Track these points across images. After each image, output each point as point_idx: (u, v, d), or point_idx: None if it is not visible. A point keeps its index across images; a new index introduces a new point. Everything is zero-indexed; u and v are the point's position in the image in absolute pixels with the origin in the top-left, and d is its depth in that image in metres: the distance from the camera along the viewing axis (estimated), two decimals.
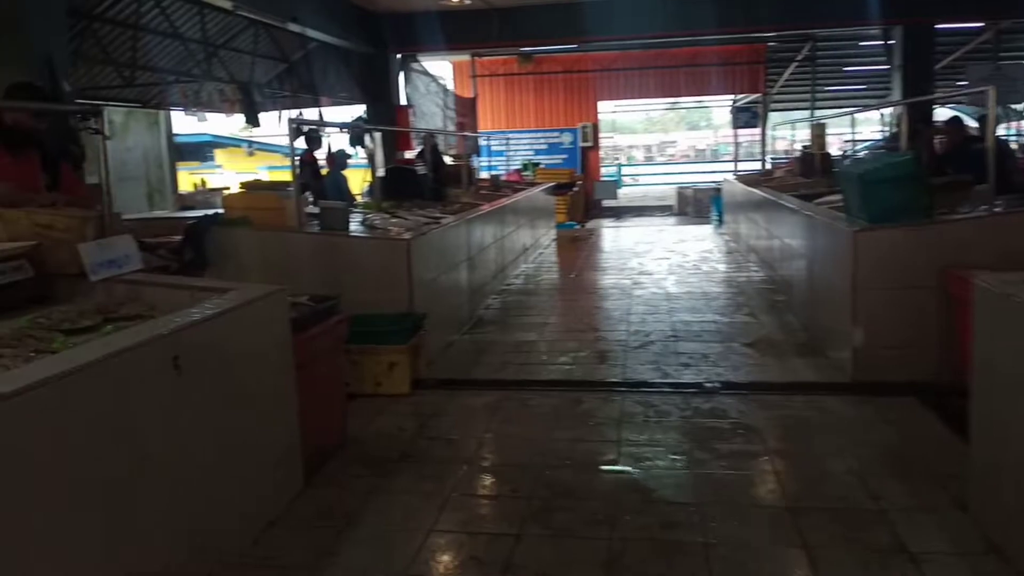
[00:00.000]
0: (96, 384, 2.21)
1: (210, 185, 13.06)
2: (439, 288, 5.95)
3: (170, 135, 12.67)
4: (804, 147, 12.07)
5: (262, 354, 3.23)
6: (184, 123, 17.54)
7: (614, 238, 13.54)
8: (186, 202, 11.44)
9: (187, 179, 14.82)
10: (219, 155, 22.89)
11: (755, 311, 7.02)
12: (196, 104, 9.38)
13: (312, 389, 3.63)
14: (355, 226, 5.95)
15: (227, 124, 19.52)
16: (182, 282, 3.48)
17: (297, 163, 11.24)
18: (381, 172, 7.28)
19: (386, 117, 13.49)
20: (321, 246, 5.31)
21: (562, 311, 7.54)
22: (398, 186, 8.23)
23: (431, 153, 11.46)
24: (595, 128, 20.43)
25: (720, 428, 4.18)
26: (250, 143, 20.86)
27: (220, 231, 5.34)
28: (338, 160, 10.62)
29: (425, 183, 8.37)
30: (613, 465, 3.76)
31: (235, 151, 22.33)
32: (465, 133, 12.55)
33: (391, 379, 4.81)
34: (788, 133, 20.14)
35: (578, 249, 11.97)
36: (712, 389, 4.82)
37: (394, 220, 6.02)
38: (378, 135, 12.06)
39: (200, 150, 22.54)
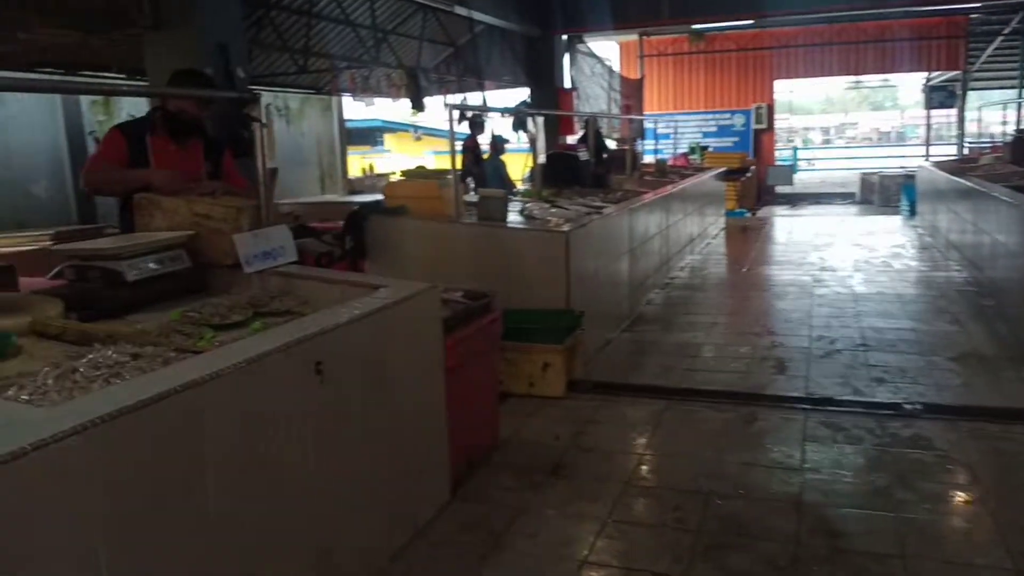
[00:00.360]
0: (231, 392, 2.06)
1: (377, 170, 13.36)
2: (598, 282, 5.61)
3: (342, 120, 13.05)
4: (1019, 130, 10.65)
5: (411, 357, 3.03)
6: (355, 109, 18.14)
7: (789, 228, 12.63)
8: (354, 187, 11.73)
9: (357, 164, 15.28)
10: (388, 140, 23.62)
11: (959, 318, 6.17)
12: (364, 90, 9.52)
13: (463, 393, 3.41)
14: (513, 216, 5.71)
15: (396, 109, 20.07)
16: (334, 276, 3.35)
17: (459, 149, 11.26)
18: (542, 158, 6.97)
19: (549, 101, 13.23)
20: (477, 237, 5.11)
21: (732, 310, 6.99)
22: (559, 173, 7.93)
23: (594, 137, 11.08)
24: (770, 109, 19.26)
25: (924, 462, 3.59)
26: (417, 128, 21.32)
27: (379, 220, 5.26)
28: (497, 145, 10.52)
29: (586, 169, 8.02)
30: (796, 499, 3.28)
31: (403, 136, 22.94)
32: (630, 116, 12.05)
33: (545, 380, 4.54)
34: (993, 115, 18.09)
35: (749, 240, 11.22)
36: (912, 412, 4.18)
37: (553, 210, 5.73)
38: (540, 119, 11.81)
39: (370, 135, 23.36)
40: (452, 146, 5.24)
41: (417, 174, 5.70)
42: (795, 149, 27.73)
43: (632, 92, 17.31)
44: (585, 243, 5.27)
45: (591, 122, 8.34)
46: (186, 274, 3.24)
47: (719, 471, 3.55)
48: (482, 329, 3.64)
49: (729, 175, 13.24)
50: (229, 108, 6.45)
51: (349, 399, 2.60)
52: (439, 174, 5.40)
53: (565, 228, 5.04)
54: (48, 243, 6.02)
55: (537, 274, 4.97)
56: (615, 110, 15.55)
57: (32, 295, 2.90)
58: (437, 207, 5.27)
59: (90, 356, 2.18)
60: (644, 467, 3.65)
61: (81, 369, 2.09)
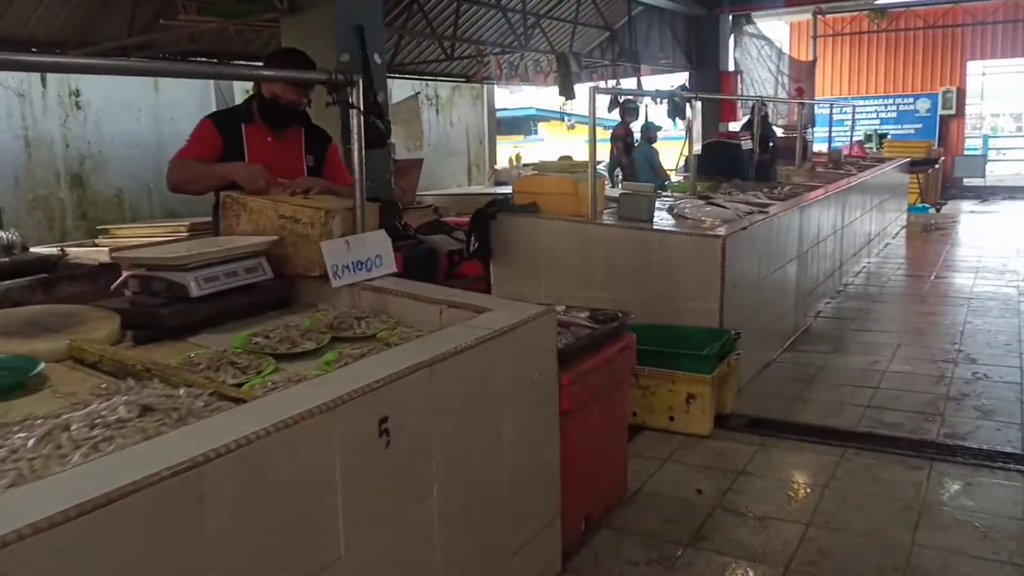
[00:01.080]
0: (243, 472, 1.52)
1: (523, 160, 12.85)
2: (759, 294, 4.77)
3: (492, 109, 12.62)
4: None
5: (516, 402, 2.41)
6: (509, 97, 17.72)
7: (982, 226, 10.96)
8: (500, 177, 11.26)
9: (507, 154, 14.85)
10: (542, 129, 23.11)
11: None
12: (510, 76, 8.98)
13: (583, 441, 2.75)
14: (661, 215, 4.96)
15: (550, 97, 19.50)
16: (434, 294, 2.78)
17: (609, 138, 10.50)
18: (698, 147, 6.13)
19: (711, 85, 12.20)
20: (616, 240, 4.41)
21: (918, 327, 5.87)
22: (717, 163, 7.05)
23: (759, 124, 10.00)
24: (960, 93, 17.12)
25: None
26: (570, 116, 20.67)
27: (506, 218, 4.68)
28: (648, 133, 9.68)
29: (749, 160, 7.08)
30: None
31: (557, 124, 22.35)
32: (801, 100, 10.84)
33: (688, 415, 3.79)
34: None
35: (935, 240, 9.77)
36: None
37: (708, 208, 4.92)
38: (698, 105, 10.85)
39: (524, 124, 22.95)
40: (592, 134, 4.56)
41: (551, 167, 5.07)
42: (986, 137, 24.75)
43: (803, 75, 15.84)
44: (745, 249, 4.46)
45: (756, 107, 7.36)
46: (267, 287, 2.77)
47: (917, 565, 2.69)
48: (609, 361, 2.96)
49: (912, 166, 11.67)
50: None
51: (426, 467, 2.02)
52: (574, 167, 4.74)
53: (721, 231, 4.24)
54: (184, 234, 5.89)
55: (685, 285, 4.22)
56: (783, 95, 14.21)
57: (91, 308, 2.51)
58: (571, 205, 4.61)
59: (91, 407, 1.70)
60: (811, 546, 2.84)
61: (74, 428, 1.62)
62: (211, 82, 8.53)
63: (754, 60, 13.90)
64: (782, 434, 3.83)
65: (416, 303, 2.70)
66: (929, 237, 10.03)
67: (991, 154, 22.08)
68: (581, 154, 15.14)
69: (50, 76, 6.96)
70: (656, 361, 3.80)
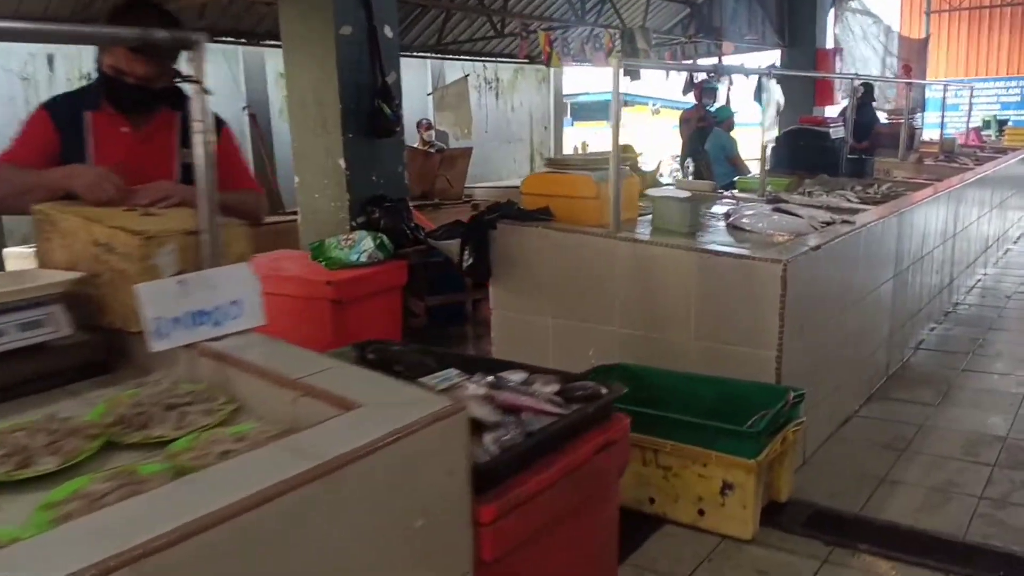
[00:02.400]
0: None
1: (589, 148, 11.69)
2: (836, 332, 3.59)
3: (559, 93, 11.52)
4: None
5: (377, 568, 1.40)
6: (588, 80, 16.49)
7: None
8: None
9: (578, 139, 13.68)
10: (625, 113, 21.78)
11: None
12: (564, 54, 7.87)
13: None
14: (715, 224, 3.83)
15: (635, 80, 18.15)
16: (290, 372, 1.79)
17: (678, 121, 9.25)
18: (771, 135, 4.90)
19: (805, 65, 10.72)
20: (641, 261, 3.32)
21: None
22: (799, 155, 5.78)
23: (857, 109, 8.55)
24: None
25: None
26: (655, 101, 19.27)
27: (509, 228, 3.65)
28: (721, 117, 8.43)
29: (840, 151, 5.78)
30: None
31: (641, 109, 20.97)
32: (910, 80, 9.27)
33: (722, 510, 2.70)
34: None
35: None
36: None
37: (774, 217, 3.76)
38: (772, 85, 9.47)
39: (605, 108, 21.65)
40: (616, 121, 3.47)
41: (564, 163, 3.97)
42: None
43: (913, 54, 14.02)
44: (818, 275, 3.29)
45: (858, 89, 6.00)
46: (69, 348, 1.86)
47: None
48: (579, 467, 1.91)
49: None
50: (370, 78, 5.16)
51: None
52: (597, 164, 3.65)
53: (782, 254, 3.08)
54: None
55: (732, 324, 3.11)
56: (890, 76, 12.50)
57: None
58: (593, 211, 3.54)
59: None
60: None
61: None
62: (240, 68, 7.78)
63: (857, 38, 12.26)
64: (858, 540, 2.69)
65: (263, 382, 1.73)
66: None
67: None
68: (659, 141, 13.81)
69: (59, 58, 6.34)
70: (683, 434, 2.73)
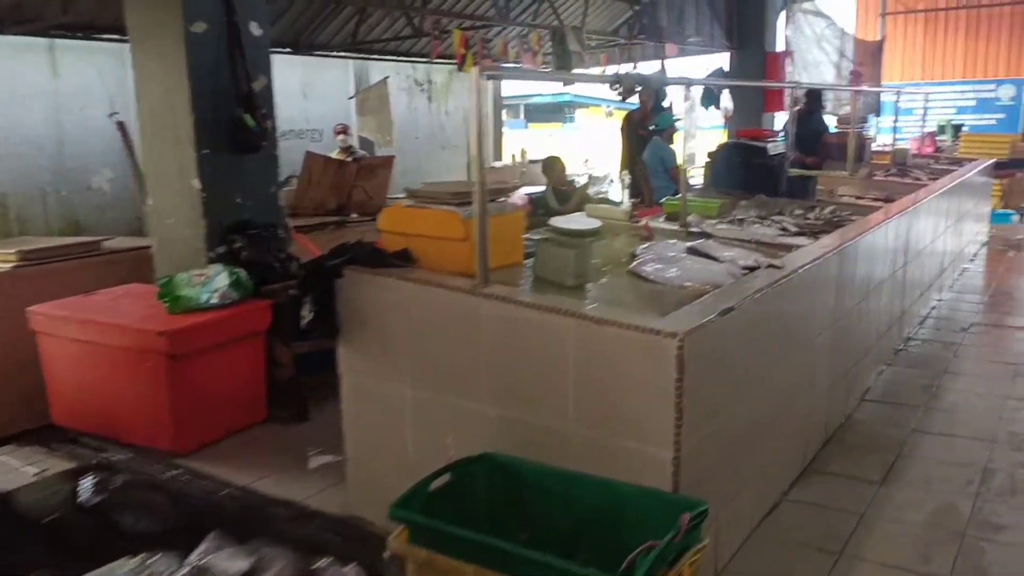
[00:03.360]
0: None
1: (529, 156, 10.97)
2: (757, 405, 2.90)
3: (497, 95, 10.76)
4: None
5: None
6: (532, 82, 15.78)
7: None
8: (495, 177, 9.44)
9: (535, 143, 12.91)
10: (580, 116, 21.11)
11: None
12: (485, 55, 7.13)
13: None
14: (620, 267, 3.11)
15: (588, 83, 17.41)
16: None
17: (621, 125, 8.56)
18: (699, 147, 4.19)
19: (754, 68, 10.12)
20: (508, 324, 2.59)
21: (1015, 429, 3.87)
22: (735, 173, 5.11)
23: (805, 117, 7.95)
24: None
25: None
26: (609, 103, 18.63)
27: (355, 278, 2.90)
28: (660, 126, 7.73)
29: (779, 168, 5.11)
30: None
31: (596, 111, 20.34)
32: (858, 88, 8.68)
33: None
34: None
35: (1023, 265, 7.58)
36: None
37: (688, 262, 3.05)
38: (726, 94, 8.86)
39: (559, 111, 20.99)
40: (479, 146, 2.73)
41: (427, 195, 3.17)
42: None
43: (867, 57, 13.52)
44: (730, 344, 2.59)
45: (796, 100, 5.32)
46: None
47: None
48: None
49: (997, 169, 9.33)
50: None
51: None
52: (460, 197, 2.88)
53: (679, 324, 2.36)
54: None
55: (619, 411, 2.39)
56: (844, 82, 11.96)
57: None
58: (463, 256, 2.79)
59: None
60: None
61: None
62: (127, 65, 6.89)
63: (809, 40, 11.69)
64: None
65: None
66: (1017, 261, 7.81)
67: None
68: (606, 146, 13.11)
69: None
70: (531, 572, 2.00)
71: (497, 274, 2.78)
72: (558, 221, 3.93)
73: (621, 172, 8.28)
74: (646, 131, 7.96)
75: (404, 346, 2.87)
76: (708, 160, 5.37)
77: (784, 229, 4.18)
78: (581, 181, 9.33)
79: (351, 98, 8.19)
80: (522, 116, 20.98)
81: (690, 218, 4.07)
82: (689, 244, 3.30)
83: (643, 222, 3.88)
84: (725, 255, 3.19)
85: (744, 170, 5.13)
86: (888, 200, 5.44)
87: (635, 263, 3.07)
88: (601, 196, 8.70)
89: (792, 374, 3.22)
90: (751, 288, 2.81)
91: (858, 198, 5.54)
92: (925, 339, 5.19)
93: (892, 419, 3.94)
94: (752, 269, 3.09)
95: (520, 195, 6.40)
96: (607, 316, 2.41)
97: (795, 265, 3.20)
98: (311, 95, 8.65)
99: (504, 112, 24.41)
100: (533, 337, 2.54)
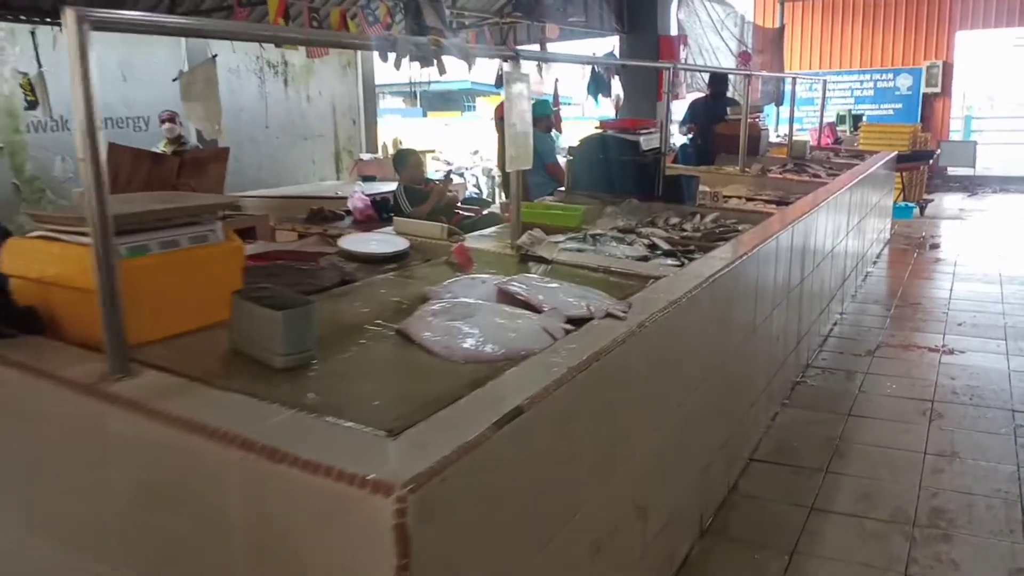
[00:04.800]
0: None
1: (400, 144, 9.86)
2: (573, 546, 1.90)
3: (368, 79, 9.58)
4: None
5: None
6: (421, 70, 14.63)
7: (987, 238, 8.15)
8: (365, 170, 8.30)
9: (395, 135, 11.74)
10: (481, 103, 20.04)
11: None
12: (320, 26, 5.95)
13: None
14: (394, 320, 2.06)
15: (487, 69, 16.36)
16: None
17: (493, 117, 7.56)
18: (515, 151, 3.13)
19: (646, 53, 9.26)
20: (142, 454, 1.51)
21: (937, 486, 3.03)
22: (599, 172, 4.15)
23: (708, 106, 7.15)
24: (947, 68, 14.33)
25: None
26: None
27: None
28: (536, 115, 6.74)
29: (654, 166, 4.18)
30: None
31: (498, 99, 19.30)
32: (748, 72, 7.92)
33: None
34: None
35: (930, 267, 6.93)
36: None
37: (487, 311, 2.06)
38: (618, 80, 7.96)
39: (458, 98, 19.91)
40: (92, 140, 1.62)
41: (62, 222, 2.04)
42: (968, 119, 21.97)
43: (768, 45, 12.94)
44: (517, 480, 1.57)
45: (673, 85, 4.35)
46: None
47: None
48: None
49: (899, 162, 8.73)
50: None
51: None
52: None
53: (399, 471, 1.33)
54: None
55: None
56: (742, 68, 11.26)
57: None
58: (88, 317, 1.68)
59: None
60: None
61: None
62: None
63: (704, 25, 10.93)
64: None
65: None
66: (922, 262, 7.18)
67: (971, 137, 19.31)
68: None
69: None
70: None
71: (178, 345, 1.70)
72: (347, 241, 2.87)
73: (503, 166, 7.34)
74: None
75: (9, 469, 1.75)
76: (569, 157, 4.39)
77: (652, 246, 3.24)
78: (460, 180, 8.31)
79: (175, 80, 6.89)
80: (419, 104, 19.77)
81: (534, 231, 3.06)
82: (500, 283, 2.28)
83: (457, 244, 2.83)
84: (548, 299, 2.18)
85: (613, 168, 4.17)
86: (783, 202, 4.60)
87: (409, 319, 2.02)
88: (471, 197, 7.72)
89: (638, 473, 2.24)
90: (574, 359, 1.80)
91: (748, 200, 4.68)
92: (826, 367, 4.37)
93: (787, 490, 3.05)
94: (582, 321, 2.09)
95: (358, 196, 5.28)
96: (286, 446, 1.35)
97: (651, 309, 2.22)
98: (133, 77, 7.30)
99: (403, 100, 23.09)
100: (184, 474, 1.47)
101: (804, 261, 4.08)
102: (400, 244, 2.90)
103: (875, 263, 6.88)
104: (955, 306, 5.55)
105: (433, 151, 11.94)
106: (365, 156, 9.01)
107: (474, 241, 3.04)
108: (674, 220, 3.81)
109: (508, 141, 2.81)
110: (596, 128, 4.47)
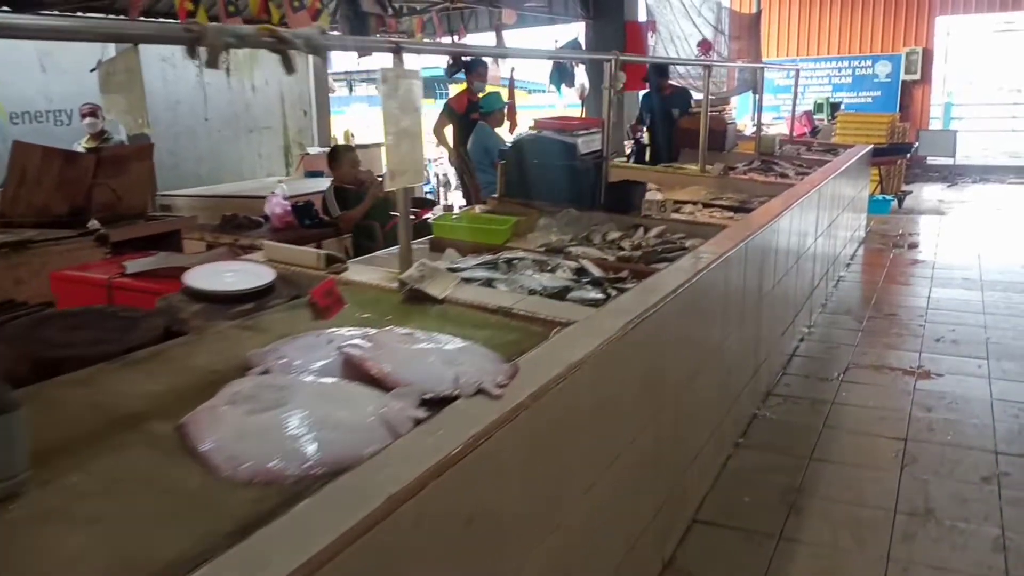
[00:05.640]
0: None
1: (355, 140, 9.28)
2: None
3: (320, 68, 8.97)
4: None
5: None
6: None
7: (968, 233, 7.69)
8: (313, 165, 7.73)
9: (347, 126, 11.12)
10: (454, 91, 19.43)
11: None
12: (233, 13, 5.37)
13: None
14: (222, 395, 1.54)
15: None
16: None
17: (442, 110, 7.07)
18: (400, 151, 2.57)
19: (613, 41, 8.69)
20: None
21: (908, 558, 2.55)
22: (532, 177, 3.62)
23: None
24: (927, 55, 13.87)
25: None
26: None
27: None
28: (486, 109, 6.35)
29: (596, 172, 3.65)
30: None
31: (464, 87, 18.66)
32: (708, 63, 7.41)
33: None
34: None
35: (907, 269, 6.45)
36: None
37: (316, 394, 1.54)
38: (580, 70, 7.40)
39: (432, 85, 19.24)
40: None
41: None
42: (948, 105, 21.56)
43: (744, 31, 12.39)
44: None
45: (616, 78, 3.80)
46: None
47: None
48: None
49: (876, 156, 8.24)
50: None
51: None
52: None
53: None
54: None
55: None
56: (718, 57, 10.71)
57: None
58: None
59: None
60: None
61: None
62: None
63: (676, 12, 10.36)
64: None
65: None
66: (899, 263, 6.70)
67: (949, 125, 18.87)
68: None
69: None
70: None
71: None
72: (194, 275, 2.34)
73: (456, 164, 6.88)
74: (479, 114, 6.48)
75: None
76: (502, 161, 3.85)
77: (580, 272, 2.72)
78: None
79: (93, 70, 6.31)
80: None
81: (426, 261, 2.52)
82: (343, 344, 1.74)
83: (322, 282, 2.28)
84: (402, 369, 1.65)
85: (549, 173, 3.63)
86: (743, 208, 4.09)
87: (197, 410, 1.49)
88: (421, 197, 7.19)
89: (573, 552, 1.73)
90: (410, 471, 1.28)
91: (705, 206, 4.16)
92: (789, 394, 3.87)
93: (733, 565, 2.55)
94: (446, 401, 1.56)
95: (276, 200, 4.72)
96: None
97: (541, 379, 1.70)
98: (53, 67, 6.68)
99: (376, 87, 22.42)
100: None
101: (763, 279, 3.58)
102: (264, 276, 2.36)
103: (848, 265, 6.40)
104: (933, 317, 5.06)
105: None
106: (312, 150, 8.42)
107: (357, 272, 2.50)
108: (614, 235, 3.29)
109: (390, 154, 2.26)
110: (530, 128, 3.93)
